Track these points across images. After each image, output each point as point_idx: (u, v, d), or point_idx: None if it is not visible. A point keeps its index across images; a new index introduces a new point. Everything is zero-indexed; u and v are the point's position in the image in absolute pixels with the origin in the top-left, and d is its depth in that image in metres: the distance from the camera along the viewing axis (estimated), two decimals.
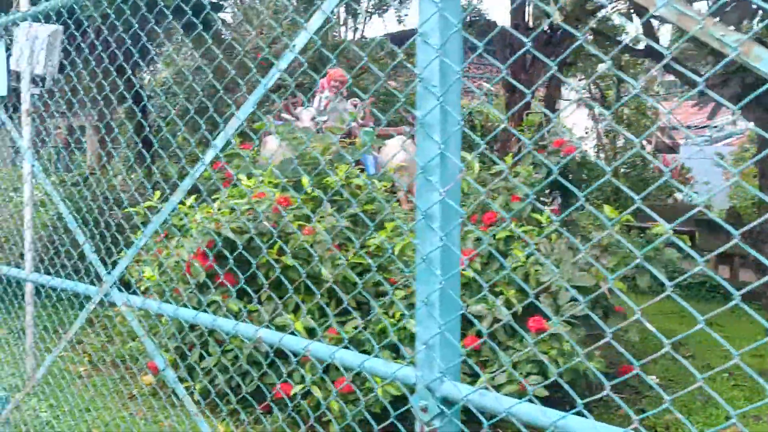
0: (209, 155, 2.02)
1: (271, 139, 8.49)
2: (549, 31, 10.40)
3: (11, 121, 3.39)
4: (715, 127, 25.63)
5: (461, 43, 1.52)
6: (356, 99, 9.36)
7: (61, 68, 5.02)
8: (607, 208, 4.30)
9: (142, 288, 4.82)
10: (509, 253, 4.71)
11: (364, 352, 4.67)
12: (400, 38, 13.92)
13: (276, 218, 4.59)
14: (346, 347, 1.75)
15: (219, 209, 4.72)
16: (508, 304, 4.40)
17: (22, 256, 6.09)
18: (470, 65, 20.75)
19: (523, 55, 10.25)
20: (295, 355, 1.90)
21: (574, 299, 4.04)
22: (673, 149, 20.59)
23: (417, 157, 1.53)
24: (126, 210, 4.16)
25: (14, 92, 4.62)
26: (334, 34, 13.29)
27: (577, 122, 15.23)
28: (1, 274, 3.19)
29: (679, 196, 15.17)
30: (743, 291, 1.13)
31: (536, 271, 4.36)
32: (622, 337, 5.56)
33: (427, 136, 1.50)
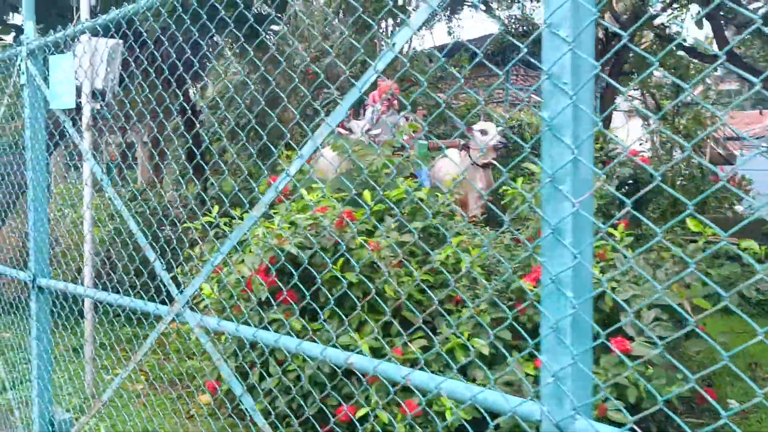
0: (295, 165, 1.87)
1: (324, 152, 8.39)
2: (604, 39, 10.16)
3: (78, 134, 3.30)
4: None
5: (594, 34, 1.34)
6: (408, 112, 9.23)
7: (121, 81, 4.98)
8: (690, 222, 4.04)
9: (201, 305, 4.72)
10: None
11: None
12: (450, 50, 13.82)
13: (339, 233, 4.44)
14: (455, 377, 1.58)
15: (280, 224, 4.61)
16: None
17: (79, 271, 6.09)
18: (518, 77, 20.52)
19: None
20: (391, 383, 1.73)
21: (658, 318, 3.79)
22: (728, 161, 19.96)
23: (543, 163, 1.35)
24: (186, 225, 4.05)
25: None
26: (382, 46, 13.23)
27: (630, 133, 14.85)
28: (66, 291, 3.09)
29: (739, 208, 14.66)
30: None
31: (614, 288, 4.13)
32: (697, 359, 5.26)
33: (555, 140, 1.32)
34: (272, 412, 2.20)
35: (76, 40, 3.18)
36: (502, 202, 5.91)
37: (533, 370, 4.33)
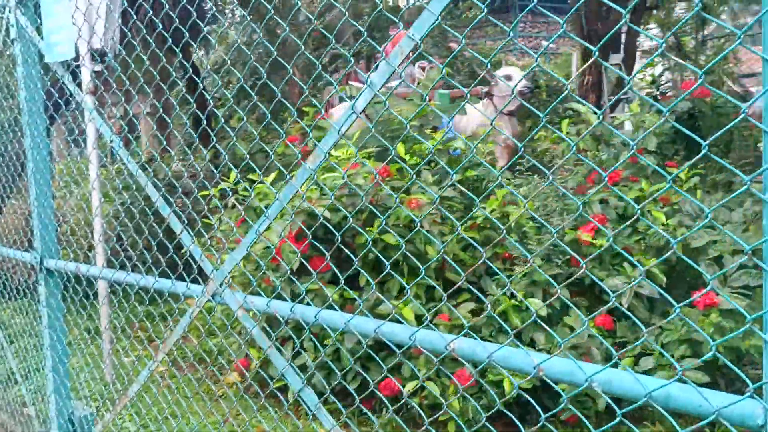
0: (364, 98, 1.45)
1: (338, 109, 7.95)
2: None
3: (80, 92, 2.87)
4: None
5: None
6: (423, 62, 8.78)
7: (121, 39, 4.51)
8: None
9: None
10: (641, 216, 4.08)
11: (481, 339, 4.12)
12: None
13: (375, 192, 4.02)
14: (620, 366, 1.17)
15: (308, 186, 4.19)
16: (649, 276, 3.79)
17: (90, 249, 5.69)
18: (524, 23, 19.87)
19: (600, 3, 9.43)
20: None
21: (743, 266, 3.37)
22: (744, 98, 19.36)
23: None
24: (206, 193, 3.64)
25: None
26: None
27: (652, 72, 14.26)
28: (78, 273, 2.69)
29: (761, 144, 14.13)
30: None
31: (683, 234, 3.72)
32: None
33: None
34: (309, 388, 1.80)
35: None
36: (538, 151, 5.49)
37: (598, 330, 3.95)
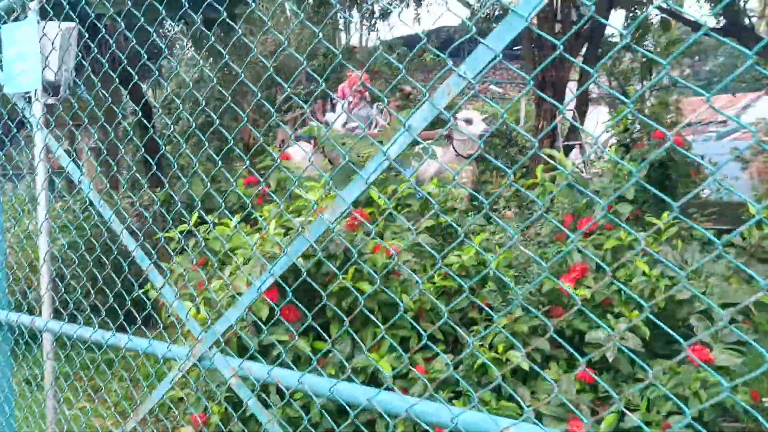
0: (399, 144, 1.27)
1: (294, 150, 7.76)
2: (578, 22, 9.78)
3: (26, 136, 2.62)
4: (722, 122, 25.20)
5: None
6: (381, 103, 8.69)
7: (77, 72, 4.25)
8: (753, 208, 3.57)
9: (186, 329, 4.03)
10: (620, 266, 3.98)
11: (458, 393, 3.92)
12: (413, 42, 13.41)
13: (350, 238, 3.83)
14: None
15: (273, 230, 3.96)
16: (631, 329, 3.68)
17: (25, 295, 5.28)
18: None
19: (554, 50, 9.57)
20: None
21: (734, 320, 3.29)
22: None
23: None
24: (170, 234, 3.39)
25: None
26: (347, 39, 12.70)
27: (597, 121, 14.57)
28: (33, 327, 2.40)
29: (705, 192, 14.53)
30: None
31: (667, 285, 3.63)
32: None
33: None
34: None
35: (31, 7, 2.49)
36: (508, 196, 5.40)
37: (578, 384, 3.80)
